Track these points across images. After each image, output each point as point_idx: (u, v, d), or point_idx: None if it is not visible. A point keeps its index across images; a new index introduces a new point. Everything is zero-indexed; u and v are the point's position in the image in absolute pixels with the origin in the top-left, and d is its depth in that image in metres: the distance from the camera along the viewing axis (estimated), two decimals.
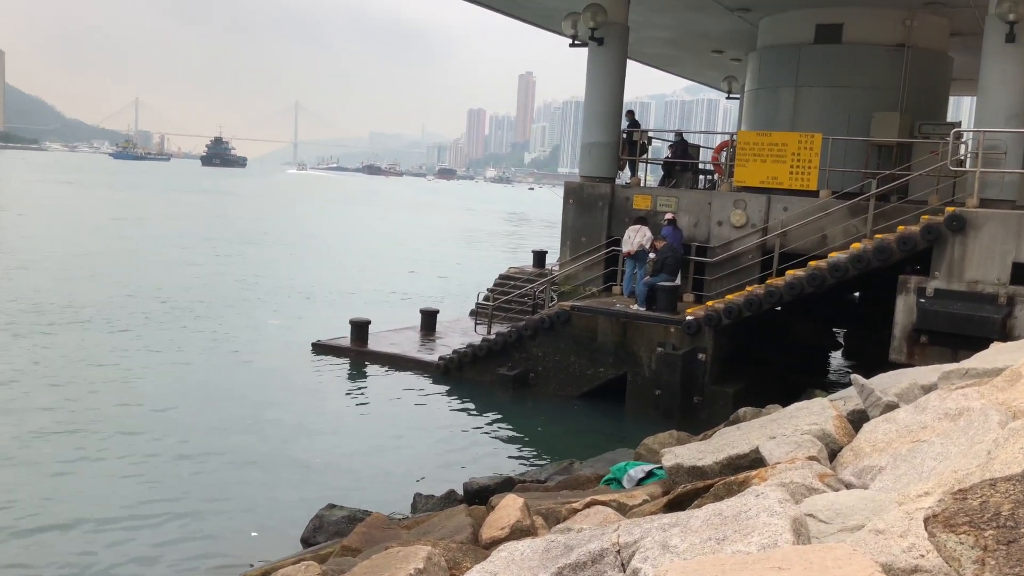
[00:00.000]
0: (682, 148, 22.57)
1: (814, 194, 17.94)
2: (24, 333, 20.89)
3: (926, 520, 2.99)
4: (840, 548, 3.32)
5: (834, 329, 24.67)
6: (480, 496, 10.01)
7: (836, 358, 23.89)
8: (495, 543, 6.24)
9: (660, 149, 26.20)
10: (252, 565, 9.10)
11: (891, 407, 7.26)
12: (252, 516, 11.14)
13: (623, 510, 6.79)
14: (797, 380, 17.18)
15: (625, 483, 8.57)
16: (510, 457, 14.57)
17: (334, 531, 9.81)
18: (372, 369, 19.59)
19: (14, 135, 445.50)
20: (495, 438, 15.62)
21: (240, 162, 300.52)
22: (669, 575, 3.31)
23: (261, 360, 20.01)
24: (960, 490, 3.13)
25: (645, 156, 22.25)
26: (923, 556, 3.63)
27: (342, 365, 19.84)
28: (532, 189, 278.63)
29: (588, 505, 6.92)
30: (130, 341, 20.86)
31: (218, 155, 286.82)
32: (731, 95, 32.93)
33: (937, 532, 2.90)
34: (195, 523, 10.76)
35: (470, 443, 15.16)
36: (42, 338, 20.51)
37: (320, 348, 20.75)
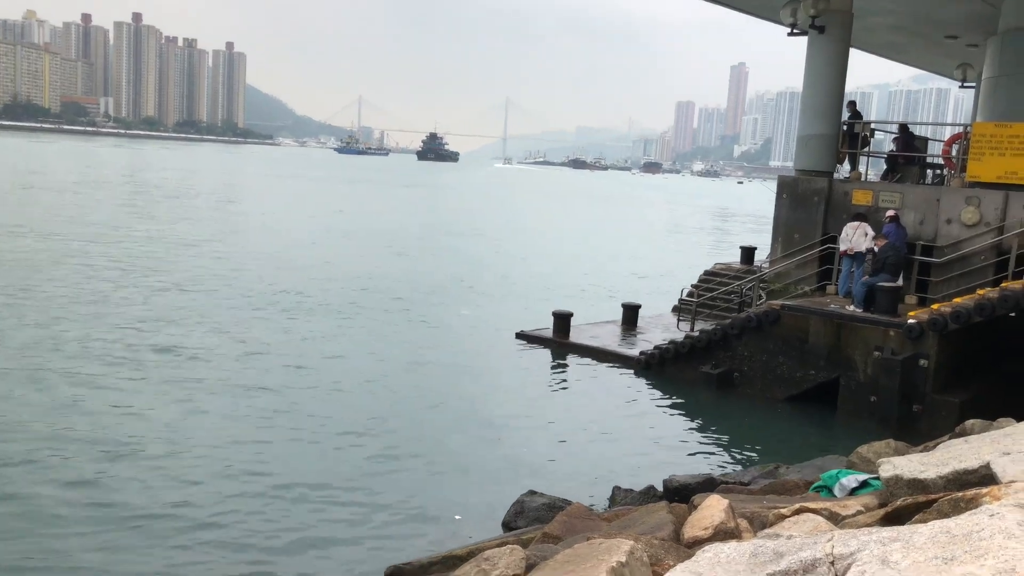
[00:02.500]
0: (907, 140, 21.18)
1: None
2: (245, 318, 22.72)
3: None
4: None
5: None
6: (680, 494, 9.88)
7: None
8: (698, 543, 6.14)
9: (883, 142, 24.71)
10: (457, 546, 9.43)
11: None
12: (456, 499, 11.54)
13: (835, 520, 6.47)
14: None
15: (836, 492, 8.17)
16: (711, 457, 14.27)
17: (534, 517, 9.99)
18: (573, 360, 19.78)
19: (252, 131, 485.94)
20: (696, 437, 15.34)
21: (453, 156, 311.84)
22: None
23: (467, 347, 20.71)
24: None
25: (867, 149, 21.05)
26: None
27: (544, 355, 20.17)
28: (741, 183, 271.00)
29: (797, 512, 6.65)
30: (345, 328, 22.16)
31: (433, 150, 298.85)
32: (965, 84, 30.48)
33: None
34: (401, 503, 11.28)
35: (670, 440, 14.98)
36: (258, 322, 22.23)
37: (524, 338, 21.18)
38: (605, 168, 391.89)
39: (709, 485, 10.13)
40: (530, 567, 5.67)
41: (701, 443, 15.00)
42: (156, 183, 70.98)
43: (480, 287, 30.37)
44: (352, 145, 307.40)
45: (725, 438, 15.33)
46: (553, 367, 19.45)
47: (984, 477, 6.46)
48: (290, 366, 17.63)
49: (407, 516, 10.91)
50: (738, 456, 14.37)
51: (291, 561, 9.46)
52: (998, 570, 3.54)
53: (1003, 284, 15.52)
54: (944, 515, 5.04)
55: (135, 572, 8.96)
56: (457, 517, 11.02)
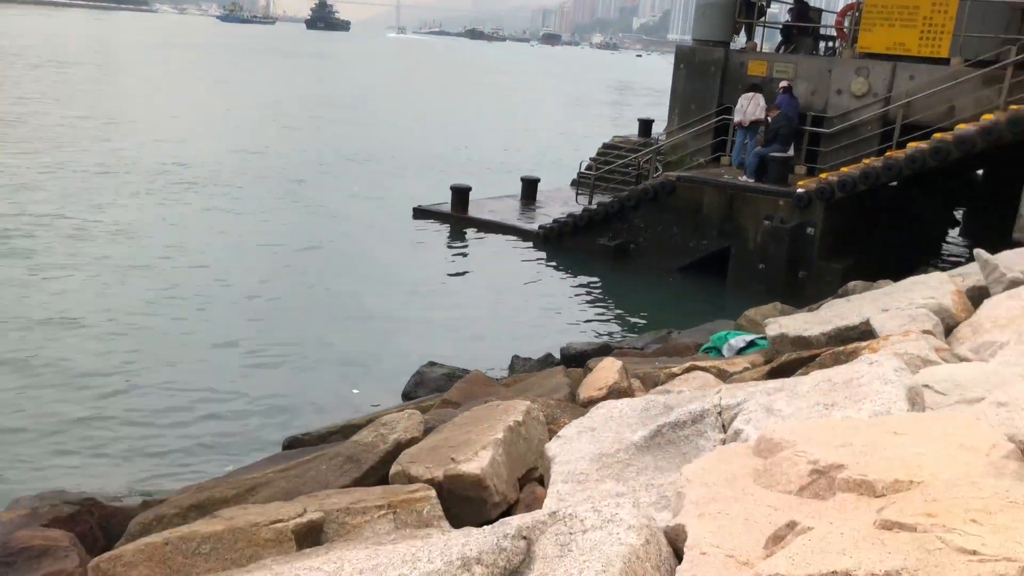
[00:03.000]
0: (802, 11, 21.24)
1: (945, 62, 16.71)
2: (126, 194, 21.70)
3: None
4: (961, 416, 3.17)
5: (954, 208, 23.48)
6: (577, 360, 10.09)
7: (954, 238, 22.83)
8: (593, 402, 6.28)
9: (778, 14, 24.75)
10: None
11: (1016, 283, 6.86)
12: (354, 373, 11.52)
13: (723, 376, 6.71)
14: (911, 259, 16.51)
15: (725, 352, 8.47)
16: (607, 325, 14.61)
17: (434, 387, 10.07)
18: (472, 235, 19.71)
19: None
20: (593, 307, 15.64)
21: (344, 26, 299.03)
22: (776, 435, 3.23)
23: (362, 224, 20.36)
24: None
25: (763, 19, 21.05)
26: None
27: (443, 230, 20.02)
28: (640, 56, 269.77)
29: (687, 370, 6.87)
30: (231, 207, 21.40)
31: (322, 18, 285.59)
32: None
33: None
34: (297, 379, 11.19)
35: (568, 311, 15.24)
36: (144, 197, 21.28)
37: (421, 213, 20.93)
38: (503, 39, 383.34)
39: (604, 351, 10.36)
40: (428, 430, 5.71)
41: (598, 313, 15.31)
42: (15, 51, 65.74)
43: (373, 163, 29.64)
44: (235, 13, 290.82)
45: (621, 308, 15.68)
46: (451, 242, 19.36)
47: (864, 333, 6.76)
48: (175, 247, 16.96)
49: (305, 392, 10.85)
50: (633, 324, 14.74)
51: (189, 438, 9.33)
52: (875, 412, 3.71)
53: (887, 154, 16.01)
54: (826, 368, 5.24)
55: (18, 456, 8.69)
56: (355, 391, 11.02)
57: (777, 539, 2.45)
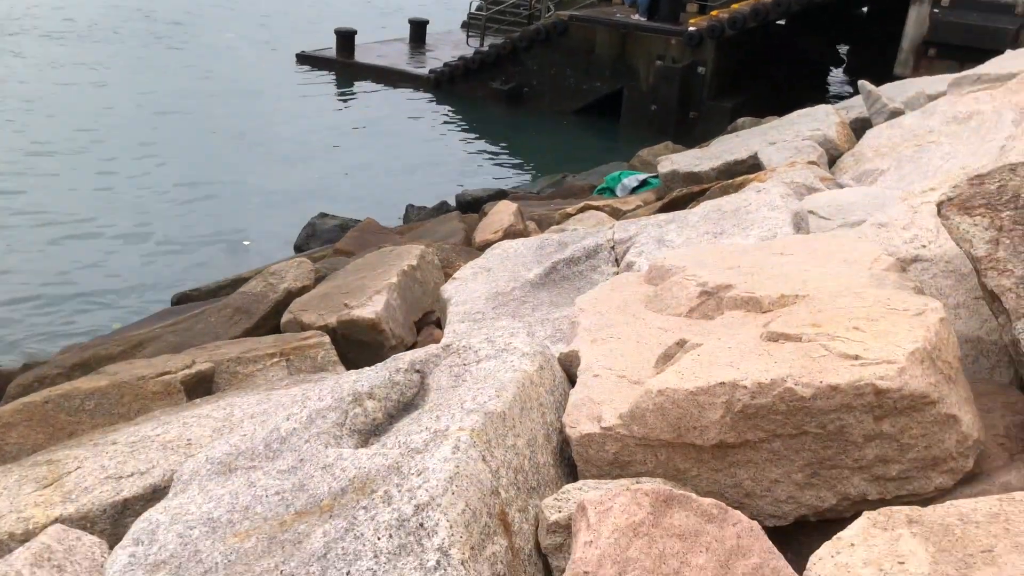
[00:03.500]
0: None
1: None
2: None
3: (939, 204, 2.85)
4: (844, 236, 3.23)
5: (839, 46, 23.77)
6: (473, 206, 10.00)
7: (839, 75, 23.22)
8: (488, 245, 6.23)
9: None
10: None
11: (897, 113, 7.02)
12: (243, 228, 11.17)
13: (617, 215, 6.74)
14: (798, 95, 16.74)
15: (619, 192, 8.50)
16: (503, 171, 14.48)
17: (327, 239, 9.86)
18: (360, 82, 18.98)
19: None
20: (487, 153, 15.43)
21: None
22: (667, 262, 3.24)
23: (242, 73, 19.29)
24: (977, 175, 2.96)
25: None
26: (925, 247, 3.56)
27: (329, 78, 19.20)
28: None
29: (582, 210, 6.87)
30: (104, 58, 19.95)
31: None
32: None
33: (951, 215, 2.78)
34: (185, 235, 10.79)
35: (462, 157, 15.01)
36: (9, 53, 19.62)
37: (305, 60, 19.97)
38: None
39: (500, 197, 10.28)
40: (320, 279, 5.58)
41: (492, 159, 15.13)
42: None
43: (242, 6, 27.76)
44: None
45: (515, 153, 15.52)
46: (338, 89, 18.62)
47: (752, 166, 6.85)
48: (43, 100, 15.80)
49: (192, 247, 10.49)
50: (528, 169, 14.65)
51: (74, 299, 8.95)
52: (762, 238, 3.76)
53: None
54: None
55: None
56: (246, 243, 10.73)
57: (667, 358, 2.48)
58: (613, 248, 4.63)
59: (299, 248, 9.99)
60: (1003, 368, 2.99)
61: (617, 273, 4.46)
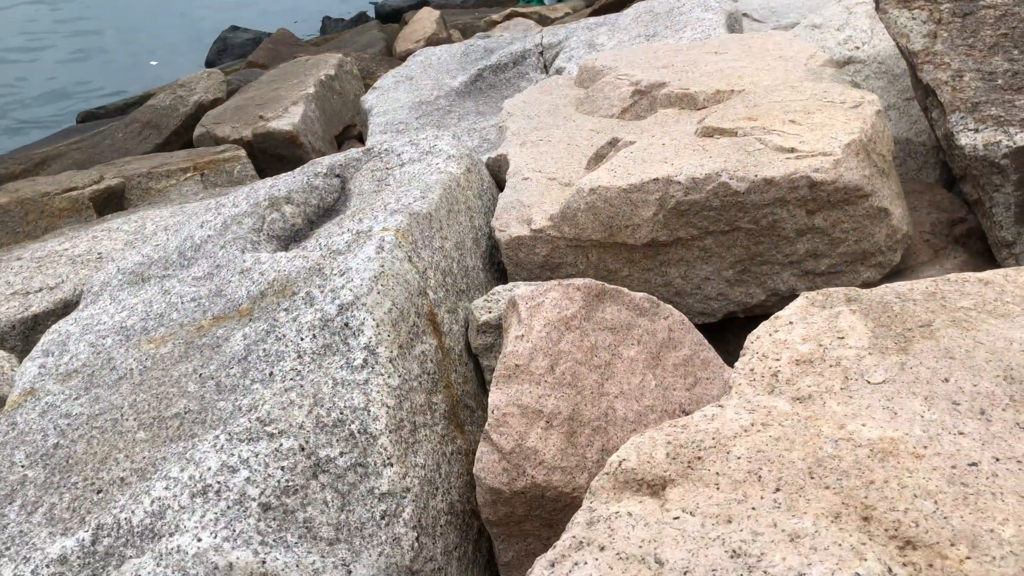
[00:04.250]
0: None
1: None
2: None
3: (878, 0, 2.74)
4: (779, 35, 3.11)
5: None
6: (393, 16, 9.51)
7: None
8: (410, 55, 5.96)
9: None
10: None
11: None
12: (149, 44, 10.50)
13: (545, 23, 6.47)
14: None
15: (546, 0, 8.16)
16: None
17: (240, 53, 9.35)
18: None
19: None
20: None
21: None
22: (598, 63, 3.10)
23: None
24: None
25: None
26: (858, 48, 3.49)
27: None
28: None
29: (508, 17, 6.56)
30: None
31: None
32: None
33: (889, 9, 2.68)
34: (88, 54, 10.10)
35: None
36: None
37: None
38: None
39: (421, 5, 9.79)
40: (233, 92, 5.27)
41: None
42: None
43: None
44: None
45: None
46: None
47: None
48: None
49: (98, 67, 9.86)
50: None
51: None
52: (695, 39, 3.63)
53: None
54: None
55: None
56: (153, 63, 10.11)
57: (599, 158, 2.39)
58: (542, 54, 4.45)
59: (210, 64, 9.45)
60: (929, 169, 3.00)
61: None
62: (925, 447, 0.97)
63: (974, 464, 0.94)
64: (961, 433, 0.98)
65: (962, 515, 0.87)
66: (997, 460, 0.94)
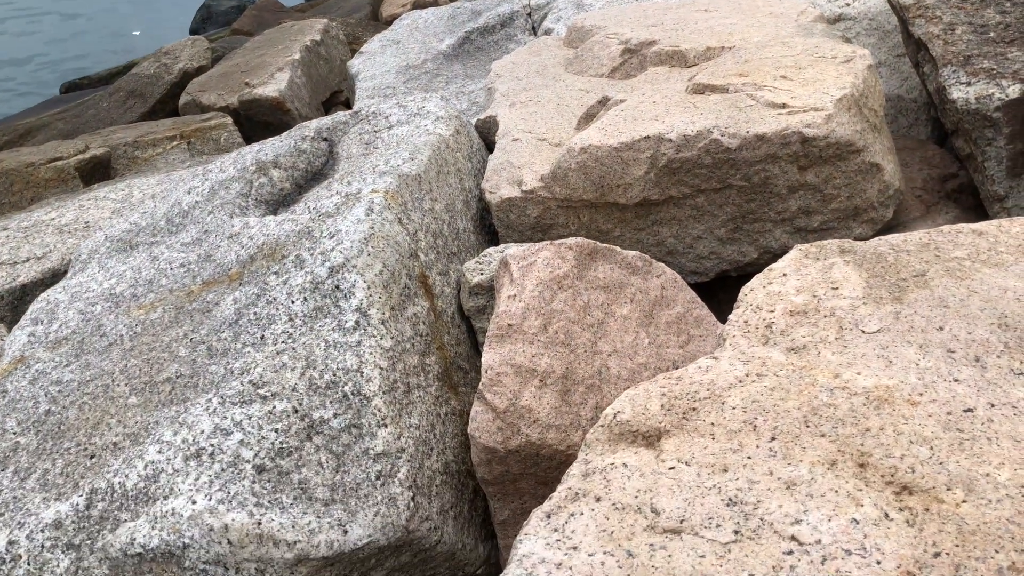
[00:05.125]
0: None
1: None
2: None
3: None
4: None
5: None
6: None
7: None
8: (396, 18, 5.89)
9: None
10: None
11: None
12: (132, 13, 10.36)
13: None
14: None
15: None
16: None
17: (224, 21, 9.24)
18: None
19: None
20: None
21: None
22: (587, 22, 3.06)
23: None
24: None
25: None
26: (849, 4, 3.45)
27: None
28: None
29: None
30: None
31: None
32: None
33: None
34: (68, 24, 9.96)
35: None
36: None
37: None
38: None
39: None
40: (217, 59, 5.21)
41: None
42: None
43: None
44: None
45: None
46: None
47: None
48: None
49: (79, 37, 9.71)
50: None
51: None
52: None
53: None
54: None
55: None
56: (135, 33, 9.98)
57: (589, 117, 2.37)
58: (530, 15, 4.40)
59: (195, 32, 9.34)
60: (921, 126, 2.99)
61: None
62: (920, 394, 0.97)
63: (969, 410, 0.94)
64: (956, 380, 0.98)
65: (958, 460, 0.87)
66: (992, 406, 0.94)
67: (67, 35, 9.77)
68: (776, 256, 2.13)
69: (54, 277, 2.54)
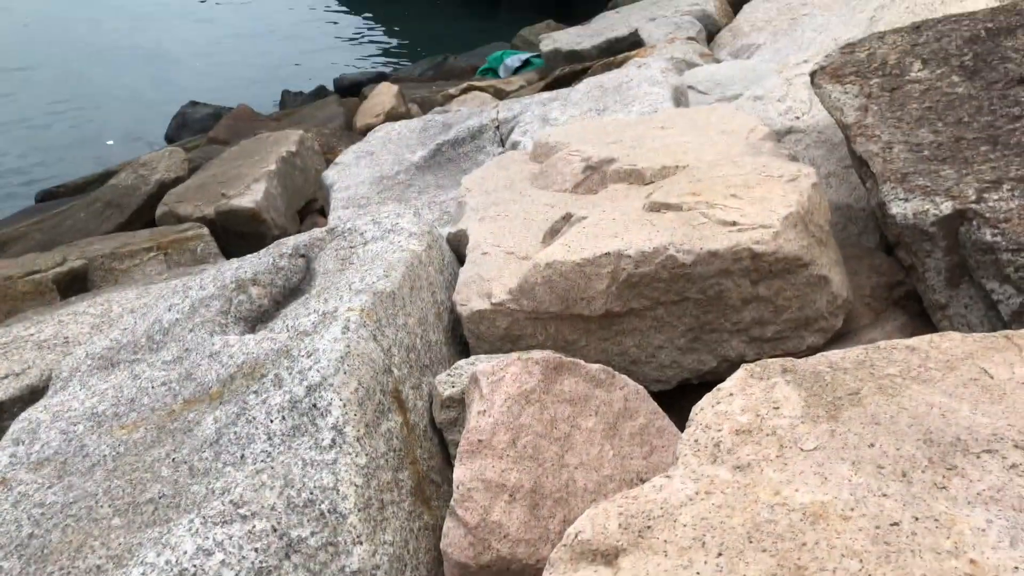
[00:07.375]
0: None
1: None
2: None
3: (812, 74, 2.92)
4: (722, 108, 3.28)
5: None
6: (352, 90, 9.70)
7: None
8: (370, 129, 6.09)
9: None
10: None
11: None
12: (107, 122, 10.57)
13: (500, 95, 6.66)
14: None
15: (501, 72, 8.38)
16: (381, 56, 14.04)
17: (199, 128, 9.45)
18: None
19: None
20: (366, 37, 14.91)
21: None
22: (551, 138, 3.23)
23: None
24: (848, 44, 3.04)
25: None
26: (798, 118, 3.66)
27: None
28: None
29: (465, 91, 6.75)
30: None
31: None
32: None
33: (823, 83, 2.85)
34: (43, 134, 10.13)
35: (337, 43, 14.46)
36: None
37: None
38: None
39: (380, 80, 10.00)
40: (194, 170, 5.36)
41: (371, 42, 14.63)
42: None
43: None
44: None
45: (394, 36, 15.04)
46: None
47: (633, 44, 6.83)
48: None
49: (54, 146, 9.87)
50: (407, 52, 14.24)
51: None
52: (644, 112, 3.79)
53: None
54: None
55: None
56: (109, 143, 10.15)
57: (554, 232, 2.50)
58: (498, 128, 4.60)
59: (170, 140, 9.54)
60: (869, 233, 3.15)
61: (503, 153, 4.44)
62: (852, 509, 1.05)
63: (895, 524, 1.03)
64: (884, 495, 1.07)
65: (884, 572, 0.95)
66: (916, 519, 1.03)
67: (40, 145, 9.93)
68: (734, 364, 2.24)
69: (33, 394, 2.59)
